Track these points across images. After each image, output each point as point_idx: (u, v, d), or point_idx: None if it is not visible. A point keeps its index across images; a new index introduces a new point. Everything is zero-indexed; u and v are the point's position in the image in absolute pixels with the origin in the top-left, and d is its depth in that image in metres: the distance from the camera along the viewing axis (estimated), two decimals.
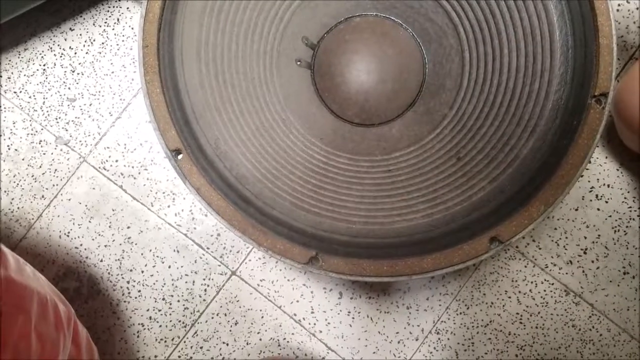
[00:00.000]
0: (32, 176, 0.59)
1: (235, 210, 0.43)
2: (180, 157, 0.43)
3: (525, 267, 0.56)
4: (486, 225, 0.42)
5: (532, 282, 0.56)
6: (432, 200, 0.45)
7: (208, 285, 0.58)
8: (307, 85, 0.51)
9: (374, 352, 0.57)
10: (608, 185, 0.56)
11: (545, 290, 0.56)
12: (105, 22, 0.58)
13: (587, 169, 0.56)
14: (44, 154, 0.59)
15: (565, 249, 0.56)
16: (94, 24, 0.58)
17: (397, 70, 0.50)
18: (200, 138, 0.45)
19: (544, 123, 0.44)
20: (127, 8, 0.58)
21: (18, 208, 0.60)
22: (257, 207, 0.45)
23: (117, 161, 0.59)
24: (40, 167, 0.59)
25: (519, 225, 0.41)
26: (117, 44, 0.59)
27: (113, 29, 0.58)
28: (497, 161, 0.44)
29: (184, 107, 0.45)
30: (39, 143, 0.59)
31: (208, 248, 0.58)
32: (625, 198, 0.56)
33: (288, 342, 0.58)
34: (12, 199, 0.60)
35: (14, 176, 0.60)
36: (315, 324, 0.57)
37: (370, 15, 0.50)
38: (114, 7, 0.58)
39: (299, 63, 0.50)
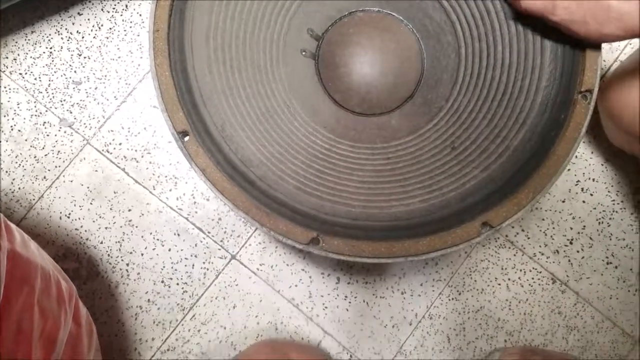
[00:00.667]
0: (35, 157, 0.60)
1: (239, 191, 0.44)
2: (187, 138, 0.44)
3: (515, 255, 0.58)
4: (478, 210, 0.44)
5: (520, 270, 0.58)
6: (428, 187, 0.47)
7: (207, 269, 0.60)
8: (312, 74, 0.52)
9: (369, 336, 0.59)
10: (593, 180, 0.59)
11: (533, 278, 0.58)
12: (114, 8, 0.60)
13: (573, 163, 0.59)
14: (48, 135, 0.60)
15: (553, 239, 0.58)
16: (102, 10, 0.60)
17: (397, 64, 0.52)
18: (207, 121, 0.47)
19: (533, 116, 0.46)
20: None
21: (19, 188, 0.61)
22: (260, 189, 0.46)
23: (120, 144, 0.60)
24: (43, 148, 0.60)
25: (508, 212, 0.43)
26: (125, 30, 0.60)
27: (121, 15, 0.60)
28: (489, 151, 0.47)
29: (192, 90, 0.46)
30: (43, 124, 0.60)
31: (209, 232, 0.60)
32: (609, 192, 0.59)
33: (285, 325, 0.59)
34: (14, 179, 0.61)
35: (16, 157, 0.60)
36: (312, 308, 0.59)
37: (373, 10, 0.52)
38: None
39: (304, 53, 0.52)
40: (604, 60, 0.62)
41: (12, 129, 0.61)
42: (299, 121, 0.50)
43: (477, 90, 0.49)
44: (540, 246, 0.58)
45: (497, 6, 0.47)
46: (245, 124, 0.48)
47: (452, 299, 0.58)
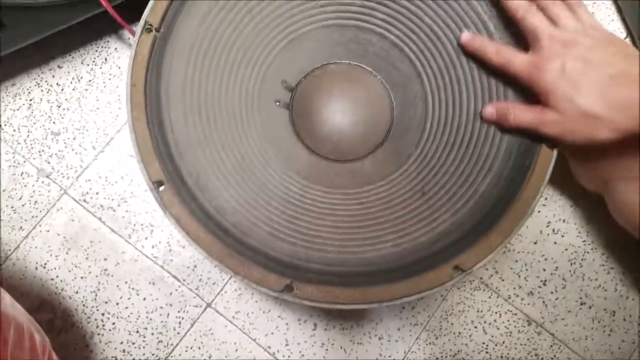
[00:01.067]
0: (12, 207, 0.60)
1: (213, 239, 0.45)
2: (162, 188, 0.45)
3: (490, 297, 0.59)
4: (449, 254, 0.45)
5: (496, 313, 0.59)
6: (400, 231, 0.48)
7: (183, 318, 0.59)
8: (286, 123, 0.54)
9: None
10: (563, 220, 0.60)
11: (509, 320, 0.59)
12: (94, 61, 0.61)
13: (543, 205, 0.61)
14: (25, 185, 0.60)
15: (526, 281, 0.59)
16: (82, 62, 0.61)
17: (367, 113, 0.54)
18: (182, 171, 0.47)
19: (499, 162, 0.48)
20: (115, 48, 0.62)
21: None
22: (234, 237, 0.47)
23: (97, 193, 0.60)
24: (20, 198, 0.60)
25: (479, 255, 0.44)
26: (104, 82, 0.61)
27: (100, 68, 0.61)
28: (457, 196, 0.48)
29: (167, 141, 0.48)
30: (21, 175, 0.61)
31: (184, 280, 0.59)
32: (579, 232, 0.60)
33: None
34: None
35: None
36: (289, 356, 0.58)
37: (344, 63, 0.54)
38: (102, 47, 0.62)
39: (277, 103, 0.54)
40: None
41: None
42: (273, 168, 0.51)
43: (445, 138, 0.51)
44: (514, 288, 0.59)
45: (462, 60, 0.50)
46: (220, 173, 0.49)
47: (430, 343, 0.58)
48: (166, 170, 0.46)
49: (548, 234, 0.60)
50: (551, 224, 0.60)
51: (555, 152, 0.46)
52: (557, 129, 0.41)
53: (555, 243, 0.60)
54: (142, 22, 0.47)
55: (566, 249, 0.60)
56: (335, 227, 0.49)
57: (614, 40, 0.40)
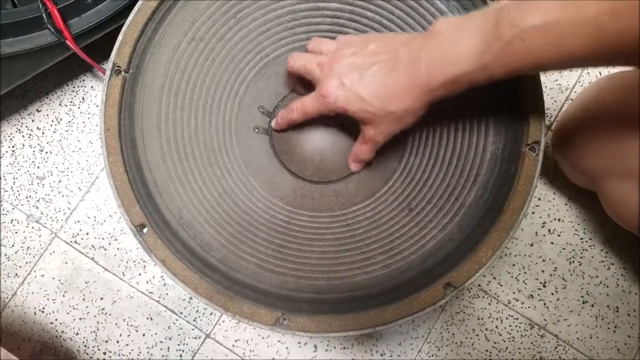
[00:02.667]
0: (5, 255, 0.60)
1: (200, 278, 0.44)
2: (144, 230, 0.45)
3: (489, 304, 0.58)
4: (440, 272, 0.44)
5: (497, 319, 0.58)
6: (389, 251, 0.48)
7: (183, 350, 0.59)
8: (266, 149, 0.53)
9: None
10: (559, 220, 0.59)
11: (510, 326, 0.58)
12: (71, 102, 0.61)
13: (537, 206, 0.60)
14: (16, 232, 0.61)
15: (525, 284, 0.58)
16: (60, 104, 0.61)
17: (348, 130, 0.53)
18: (163, 211, 0.47)
19: (484, 173, 0.47)
20: (92, 87, 0.62)
21: None
22: (222, 273, 0.46)
23: (87, 234, 0.60)
24: (12, 245, 0.60)
25: (470, 270, 0.44)
26: (83, 121, 0.61)
27: (79, 108, 0.61)
28: (444, 210, 0.47)
29: (146, 182, 0.47)
30: (11, 222, 0.61)
31: (181, 313, 0.59)
32: (576, 230, 0.59)
33: None
34: None
35: None
36: None
37: None
38: (78, 86, 0.62)
39: (256, 130, 0.53)
40: (555, 101, 0.64)
41: None
42: (257, 197, 0.51)
43: (427, 150, 0.50)
44: (514, 292, 0.58)
45: None
46: (203, 208, 0.48)
47: (432, 355, 0.58)
48: (147, 211, 0.46)
49: (544, 235, 0.59)
50: (546, 224, 0.59)
51: (540, 158, 0.45)
52: (379, 137, 0.44)
53: (552, 243, 0.59)
54: (109, 64, 0.46)
55: (564, 249, 0.59)
56: (324, 252, 0.48)
57: (368, 38, 0.42)
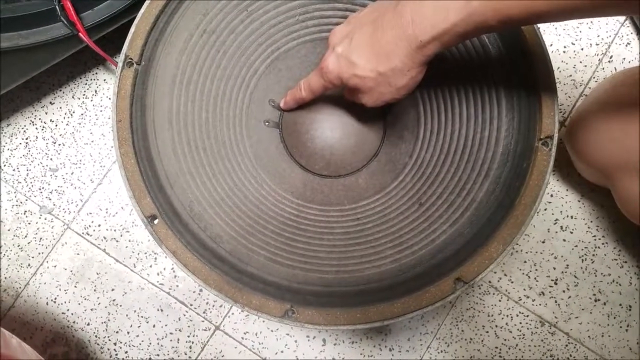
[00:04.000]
0: (18, 246, 0.61)
1: (210, 269, 0.44)
2: (156, 222, 0.45)
3: (500, 301, 0.57)
4: (450, 267, 0.44)
5: (507, 316, 0.57)
6: (398, 246, 0.47)
7: (193, 342, 0.59)
8: (276, 143, 0.54)
9: None
10: (571, 217, 0.59)
11: (521, 323, 0.57)
12: (84, 94, 0.62)
13: (549, 202, 0.59)
14: (29, 223, 0.61)
15: (537, 281, 0.58)
16: (73, 97, 0.62)
17: (358, 125, 0.53)
18: (174, 202, 0.47)
19: (496, 167, 0.46)
20: (104, 80, 0.62)
21: (5, 278, 0.61)
22: (232, 265, 0.47)
23: (99, 226, 0.61)
24: (25, 236, 0.61)
25: (480, 266, 0.43)
26: (96, 114, 0.62)
27: (91, 100, 0.62)
28: (455, 205, 0.47)
29: (157, 174, 0.47)
30: (24, 213, 0.61)
31: (191, 304, 0.60)
32: (589, 227, 0.59)
33: None
34: None
35: (0, 248, 0.61)
36: None
37: None
38: (91, 79, 0.62)
39: (267, 124, 0.53)
40: (569, 97, 0.63)
41: None
42: (267, 190, 0.51)
43: (439, 145, 0.50)
44: (524, 289, 0.58)
45: (450, 65, 0.49)
46: (213, 201, 0.49)
47: (441, 351, 0.57)
48: (158, 203, 0.46)
49: (556, 232, 0.58)
50: (559, 221, 0.59)
51: (553, 153, 0.44)
52: (370, 100, 0.42)
53: (564, 240, 0.58)
54: (122, 56, 0.47)
55: (576, 246, 0.58)
56: (333, 245, 0.48)
57: (362, 9, 0.41)
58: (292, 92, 0.50)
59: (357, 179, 0.53)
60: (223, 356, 0.59)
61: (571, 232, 0.59)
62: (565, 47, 0.63)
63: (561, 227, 0.59)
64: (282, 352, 0.59)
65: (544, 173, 0.44)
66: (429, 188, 0.49)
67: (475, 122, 0.48)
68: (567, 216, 0.59)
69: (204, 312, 0.60)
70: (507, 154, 0.47)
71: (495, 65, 0.47)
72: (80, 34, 0.50)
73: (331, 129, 0.53)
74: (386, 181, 0.51)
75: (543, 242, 0.58)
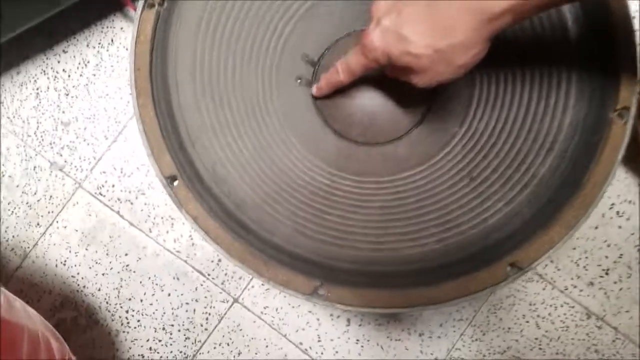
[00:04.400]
0: (27, 203, 0.58)
1: (233, 238, 0.40)
2: (175, 183, 0.41)
3: (544, 289, 0.53)
4: (504, 250, 0.39)
5: (551, 306, 0.53)
6: (445, 224, 0.43)
7: (209, 314, 0.56)
8: (308, 104, 0.48)
9: None
10: (629, 202, 0.53)
11: (565, 314, 0.53)
12: (99, 43, 0.57)
13: None
14: (39, 180, 0.58)
15: (586, 270, 0.53)
16: (87, 45, 0.57)
17: (401, 86, 0.47)
18: (196, 163, 0.43)
19: (562, 140, 0.41)
20: (121, 28, 0.57)
21: (13, 237, 0.58)
22: (256, 235, 0.42)
23: (113, 186, 0.57)
24: (35, 194, 0.57)
25: (538, 250, 0.38)
26: (112, 65, 0.57)
27: (107, 50, 0.57)
28: (512, 181, 0.42)
29: (178, 130, 0.43)
30: (34, 169, 0.58)
31: (209, 274, 0.56)
32: None
33: None
34: (7, 227, 0.58)
35: (8, 204, 0.58)
36: (322, 352, 0.55)
37: None
38: (107, 27, 0.57)
39: (299, 81, 0.48)
40: None
41: (2, 175, 0.58)
42: (296, 155, 0.46)
43: (495, 112, 0.44)
44: (572, 278, 0.53)
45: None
46: (238, 163, 0.44)
47: (476, 339, 0.53)
48: (179, 162, 0.42)
49: (611, 217, 0.53)
50: (615, 205, 0.53)
51: (630, 126, 0.38)
52: (422, 81, 0.36)
53: (619, 227, 0.53)
54: None
55: (632, 234, 0.53)
56: (368, 220, 0.44)
57: None
58: (326, 76, 0.43)
59: (396, 148, 0.47)
60: (241, 330, 0.56)
61: (627, 219, 0.53)
62: None
63: (617, 212, 0.53)
64: (303, 329, 0.55)
65: (617, 148, 0.38)
66: (482, 160, 0.43)
67: (540, 86, 0.42)
68: (625, 200, 0.53)
69: (222, 284, 0.56)
70: (576, 126, 0.41)
71: (566, 22, 0.41)
72: None
73: (372, 89, 0.47)
74: (431, 152, 0.46)
75: (596, 227, 0.53)
